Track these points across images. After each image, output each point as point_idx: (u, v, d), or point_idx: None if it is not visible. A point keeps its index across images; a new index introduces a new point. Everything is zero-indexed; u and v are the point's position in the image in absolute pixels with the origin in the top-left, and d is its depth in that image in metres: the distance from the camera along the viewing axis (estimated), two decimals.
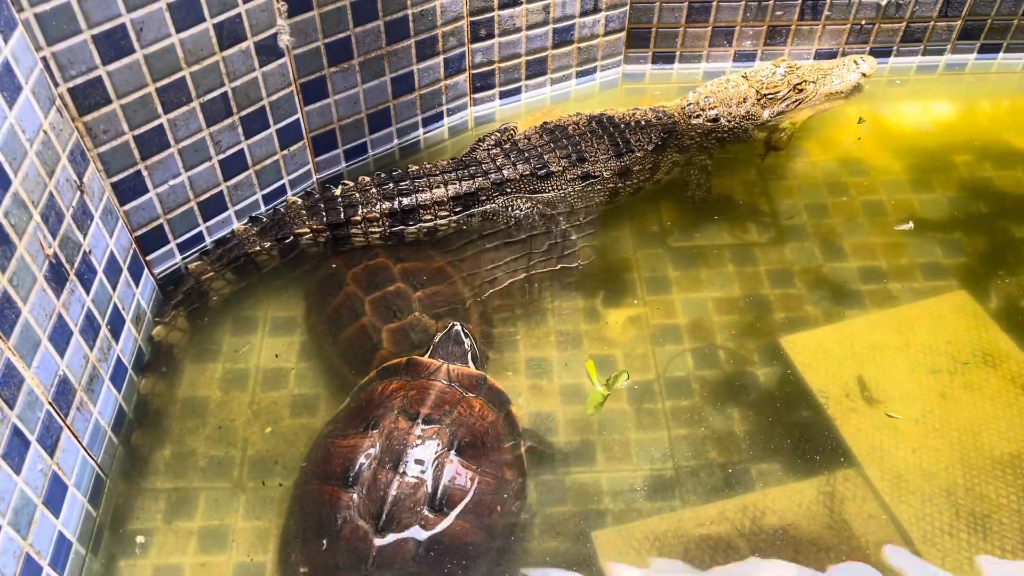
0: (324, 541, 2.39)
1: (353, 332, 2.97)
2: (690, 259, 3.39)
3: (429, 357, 2.74)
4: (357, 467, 2.41)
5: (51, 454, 2.37)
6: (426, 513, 2.36)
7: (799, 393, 2.94)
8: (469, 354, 2.76)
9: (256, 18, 2.86)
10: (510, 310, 3.20)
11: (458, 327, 2.78)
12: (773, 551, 2.56)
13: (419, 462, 2.41)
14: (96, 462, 2.64)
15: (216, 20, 2.75)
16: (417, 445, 2.43)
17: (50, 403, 2.37)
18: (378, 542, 2.33)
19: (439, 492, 2.38)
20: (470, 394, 2.60)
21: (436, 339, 2.79)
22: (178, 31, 2.67)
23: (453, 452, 2.44)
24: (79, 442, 2.53)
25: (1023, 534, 2.56)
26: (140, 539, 2.64)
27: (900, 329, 3.11)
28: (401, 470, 2.38)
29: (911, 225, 3.47)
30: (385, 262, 3.17)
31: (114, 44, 2.55)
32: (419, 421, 2.47)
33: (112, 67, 2.58)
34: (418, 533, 2.35)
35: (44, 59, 2.42)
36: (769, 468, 2.76)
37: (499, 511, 2.47)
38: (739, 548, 2.57)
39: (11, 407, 2.18)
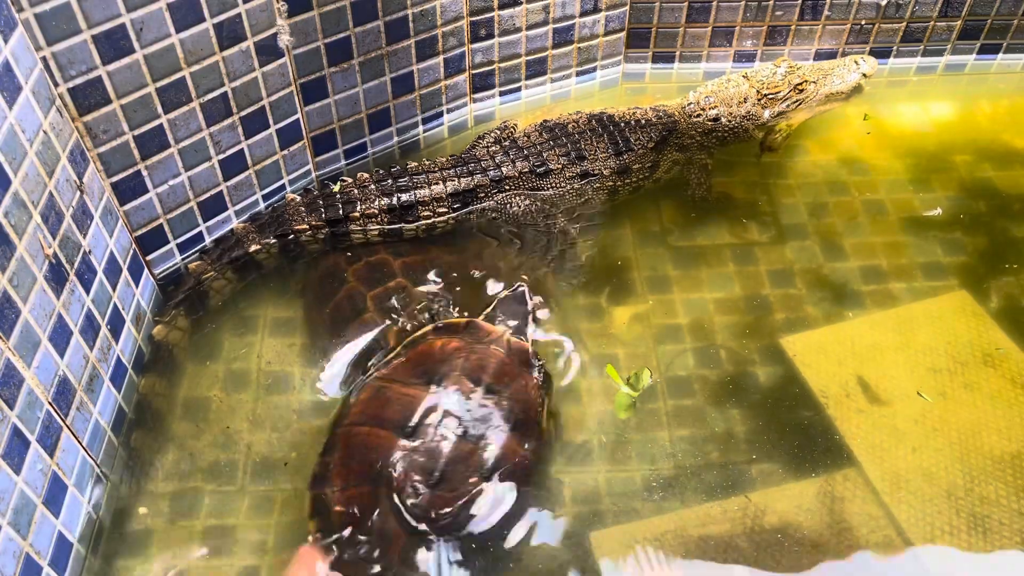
0: (369, 484, 2.38)
1: (355, 328, 2.97)
2: (691, 259, 3.39)
3: (490, 313, 2.75)
4: (417, 419, 2.43)
5: (51, 454, 2.37)
6: (475, 479, 2.38)
7: (799, 393, 2.94)
8: (531, 315, 2.76)
9: (256, 18, 2.86)
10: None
11: (524, 288, 2.79)
12: (773, 551, 2.56)
13: (478, 429, 2.44)
14: (96, 462, 2.63)
15: (216, 20, 2.75)
16: (476, 411, 2.46)
17: (50, 403, 2.37)
18: (425, 496, 2.34)
19: (491, 461, 2.41)
20: (525, 370, 2.62)
21: (500, 296, 2.79)
22: (178, 31, 2.67)
23: (509, 426, 2.46)
24: (79, 442, 2.53)
25: (1023, 534, 2.56)
26: (143, 510, 2.66)
27: (900, 329, 3.11)
28: (461, 433, 2.41)
29: (939, 211, 3.48)
30: (386, 258, 3.18)
31: (114, 44, 2.55)
32: (482, 389, 2.50)
33: (112, 67, 2.58)
34: (465, 495, 2.37)
35: (44, 59, 2.42)
36: (769, 468, 2.76)
37: (529, 490, 2.51)
38: (739, 548, 2.57)
39: (11, 407, 2.18)
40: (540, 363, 2.69)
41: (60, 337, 2.42)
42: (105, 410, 2.70)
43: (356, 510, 2.37)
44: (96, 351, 2.64)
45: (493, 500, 2.40)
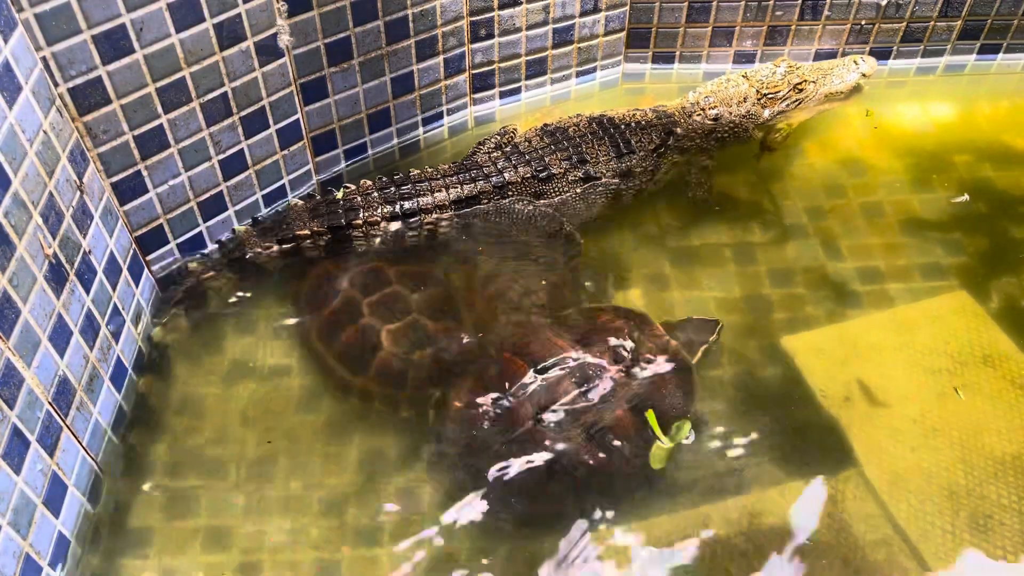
0: (491, 392, 2.74)
1: (351, 333, 2.97)
2: (690, 259, 3.39)
3: (673, 323, 3.02)
4: (551, 362, 2.75)
5: (51, 454, 2.37)
6: (579, 432, 2.62)
7: (799, 393, 2.94)
8: (706, 346, 2.96)
9: (256, 18, 2.86)
10: (510, 312, 3.20)
11: (720, 324, 3.03)
12: (773, 551, 2.56)
13: (599, 394, 2.69)
14: (96, 462, 2.64)
15: (216, 20, 2.75)
16: (607, 381, 2.72)
17: (50, 403, 2.37)
18: (528, 427, 2.64)
19: (598, 426, 2.64)
20: (671, 374, 2.82)
21: (691, 319, 3.06)
22: (178, 31, 2.67)
23: (628, 406, 2.69)
24: (79, 442, 2.53)
25: (1023, 535, 2.57)
26: (154, 483, 2.72)
27: (900, 329, 3.11)
28: (583, 390, 2.69)
29: (967, 197, 3.50)
30: (380, 265, 3.17)
31: (114, 44, 2.55)
32: (620, 365, 2.76)
33: (112, 67, 2.58)
34: (564, 442, 2.62)
35: (44, 59, 2.42)
36: (769, 468, 2.76)
37: (625, 472, 2.69)
38: (739, 548, 2.57)
39: (11, 407, 2.18)
40: (691, 378, 2.86)
41: (60, 337, 2.42)
42: (105, 410, 2.70)
43: (473, 408, 2.76)
44: (96, 351, 2.64)
45: (582, 455, 2.64)
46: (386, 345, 2.92)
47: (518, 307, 3.13)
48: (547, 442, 2.65)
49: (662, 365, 2.83)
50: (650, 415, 2.68)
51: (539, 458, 2.63)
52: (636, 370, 2.78)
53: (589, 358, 2.78)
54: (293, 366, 3.04)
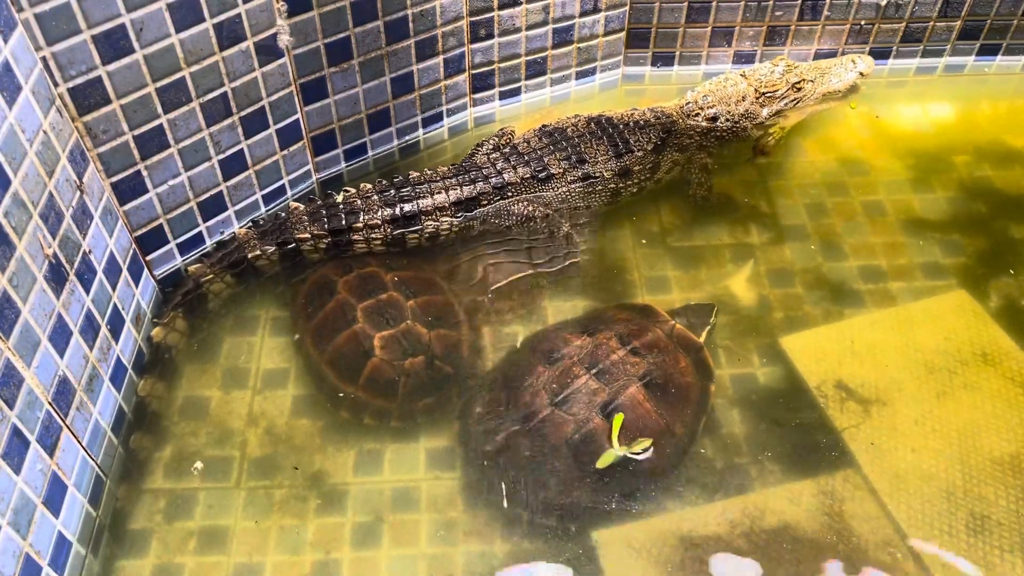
0: (505, 394, 2.86)
1: (344, 339, 2.96)
2: (690, 259, 3.39)
3: (674, 310, 3.12)
4: (561, 354, 2.88)
5: (51, 454, 2.37)
6: (594, 414, 2.72)
7: (799, 393, 2.95)
8: (708, 328, 3.05)
9: (256, 18, 2.87)
10: (511, 313, 3.20)
11: (715, 307, 3.14)
12: (772, 551, 2.56)
13: (610, 375, 2.79)
14: (96, 462, 2.64)
15: (216, 20, 2.75)
16: (615, 363, 2.82)
17: (50, 403, 2.37)
18: (546, 413, 2.74)
19: (612, 404, 2.73)
20: (682, 351, 2.91)
21: (689, 305, 3.16)
22: (178, 31, 2.67)
23: (641, 383, 2.78)
24: (79, 442, 2.53)
25: (1022, 534, 2.57)
26: (199, 465, 2.77)
27: (900, 329, 3.11)
28: (592, 372, 2.80)
29: None
30: (376, 270, 3.16)
31: (114, 44, 2.55)
32: (627, 348, 2.86)
33: (112, 67, 2.59)
34: (581, 426, 2.71)
35: (44, 59, 2.43)
36: (769, 468, 2.76)
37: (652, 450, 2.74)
38: (739, 548, 2.57)
39: (11, 407, 2.18)
40: (701, 355, 2.95)
41: (60, 337, 2.42)
42: (105, 410, 2.70)
43: (491, 406, 2.87)
44: (96, 351, 2.64)
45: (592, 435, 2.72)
46: (378, 351, 2.91)
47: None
48: (565, 426, 2.71)
49: (671, 346, 2.90)
50: (617, 419, 2.70)
51: (558, 443, 2.68)
52: (643, 351, 2.85)
53: (596, 343, 2.88)
54: (291, 368, 3.04)
